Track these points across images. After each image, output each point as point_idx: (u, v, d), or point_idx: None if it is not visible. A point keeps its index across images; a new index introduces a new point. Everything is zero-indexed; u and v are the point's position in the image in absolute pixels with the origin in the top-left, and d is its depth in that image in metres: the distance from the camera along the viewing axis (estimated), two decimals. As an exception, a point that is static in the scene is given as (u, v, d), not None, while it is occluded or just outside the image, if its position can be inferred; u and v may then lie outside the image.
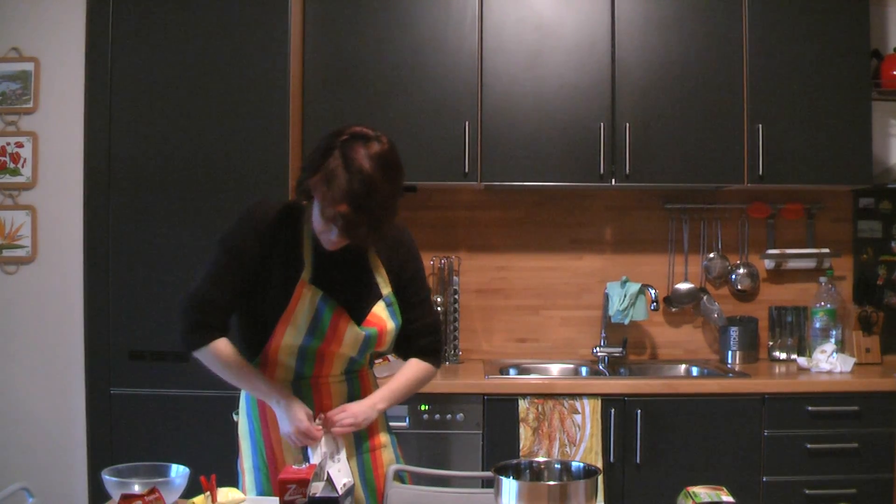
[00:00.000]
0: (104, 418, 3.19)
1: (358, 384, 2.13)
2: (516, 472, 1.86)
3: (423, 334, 2.18)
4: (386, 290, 2.09)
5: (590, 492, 1.70)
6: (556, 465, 1.89)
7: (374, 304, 2.07)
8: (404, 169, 1.95)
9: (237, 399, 2.18)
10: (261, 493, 2.06)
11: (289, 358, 2.04)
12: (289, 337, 2.00)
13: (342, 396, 2.09)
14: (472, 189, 3.77)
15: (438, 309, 3.67)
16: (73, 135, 3.34)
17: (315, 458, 1.96)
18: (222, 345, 2.02)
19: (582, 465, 1.86)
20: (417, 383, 2.17)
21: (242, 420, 2.14)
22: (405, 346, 2.18)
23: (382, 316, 2.07)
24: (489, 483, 1.81)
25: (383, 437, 2.17)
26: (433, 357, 2.19)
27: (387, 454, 2.16)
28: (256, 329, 2.04)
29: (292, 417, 1.98)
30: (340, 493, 1.83)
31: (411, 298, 2.14)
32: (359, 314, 2.04)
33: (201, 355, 2.03)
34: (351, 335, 2.02)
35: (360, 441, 2.11)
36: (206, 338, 2.01)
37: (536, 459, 1.95)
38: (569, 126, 3.44)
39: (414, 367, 2.16)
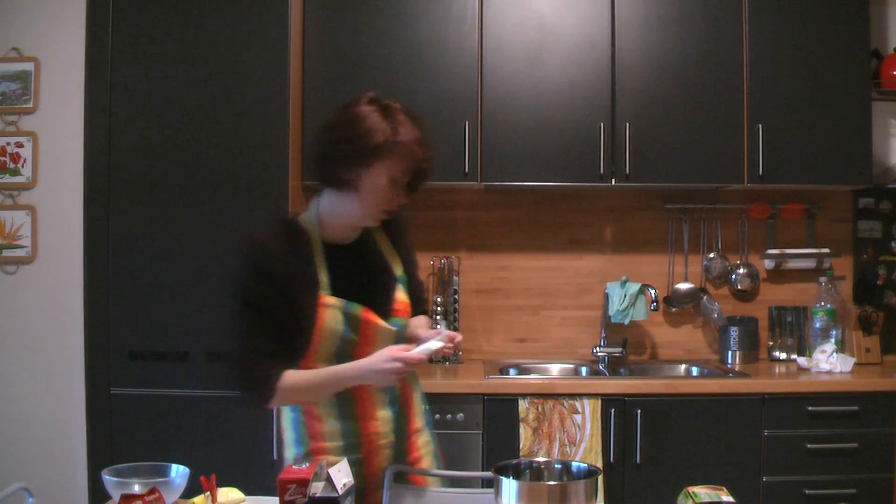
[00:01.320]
0: (104, 418, 3.19)
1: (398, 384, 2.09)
2: (516, 472, 1.85)
3: (423, 301, 2.29)
4: (399, 270, 2.13)
5: (590, 492, 1.70)
6: (556, 465, 1.89)
7: (395, 290, 2.10)
8: None
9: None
10: None
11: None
12: (322, 353, 1.99)
13: (383, 397, 2.07)
14: (472, 189, 3.77)
15: (438, 308, 3.67)
16: (73, 135, 3.34)
17: (433, 344, 1.95)
18: (286, 378, 1.95)
19: (582, 465, 1.86)
20: None
21: (286, 411, 2.11)
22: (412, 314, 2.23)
23: (403, 298, 2.11)
24: (489, 483, 1.81)
25: (419, 423, 2.19)
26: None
27: (423, 438, 2.17)
28: (291, 354, 1.99)
29: (383, 359, 1.90)
30: (340, 493, 1.83)
31: (409, 267, 2.20)
32: (386, 306, 2.06)
33: (279, 402, 1.99)
34: (383, 333, 2.04)
35: (401, 435, 2.11)
36: (271, 389, 1.94)
37: (536, 459, 1.95)
38: (569, 126, 3.44)
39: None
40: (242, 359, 1.96)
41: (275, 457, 3.15)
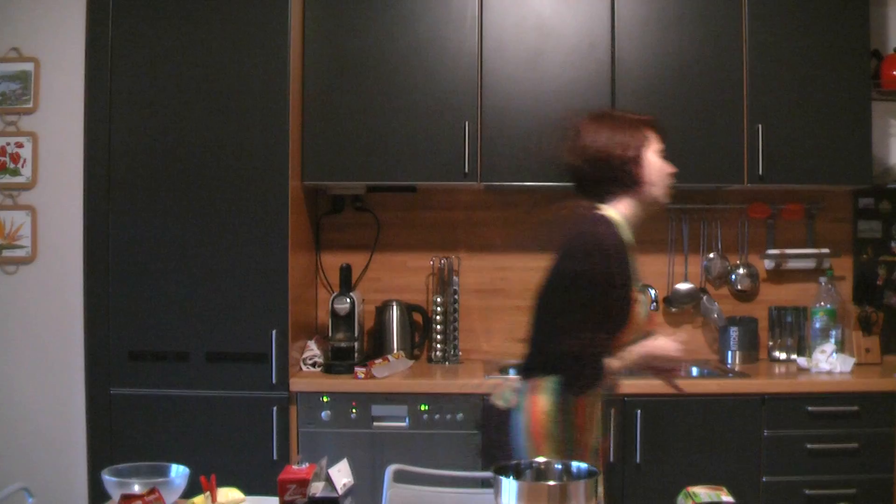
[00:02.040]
0: (104, 418, 3.20)
1: None
2: (516, 472, 1.85)
3: None
4: None
5: (590, 492, 1.70)
6: (556, 466, 1.89)
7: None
8: None
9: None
10: None
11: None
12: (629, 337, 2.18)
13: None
14: (471, 189, 3.77)
15: (438, 308, 3.67)
16: (73, 135, 3.34)
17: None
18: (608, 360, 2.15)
19: (582, 465, 1.86)
20: None
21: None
22: None
23: None
24: (489, 483, 1.81)
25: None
26: None
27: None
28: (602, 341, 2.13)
29: (664, 347, 2.16)
30: (340, 493, 1.83)
31: None
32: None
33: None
34: (642, 315, 2.19)
35: None
36: (602, 375, 2.14)
37: (536, 459, 1.95)
38: (569, 126, 3.43)
39: None
40: (593, 350, 2.09)
41: (275, 457, 3.15)
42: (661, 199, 2.26)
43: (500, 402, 2.21)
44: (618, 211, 2.23)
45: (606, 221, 2.17)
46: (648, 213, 2.28)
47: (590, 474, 1.82)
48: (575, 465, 1.87)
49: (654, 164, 2.22)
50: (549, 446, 2.12)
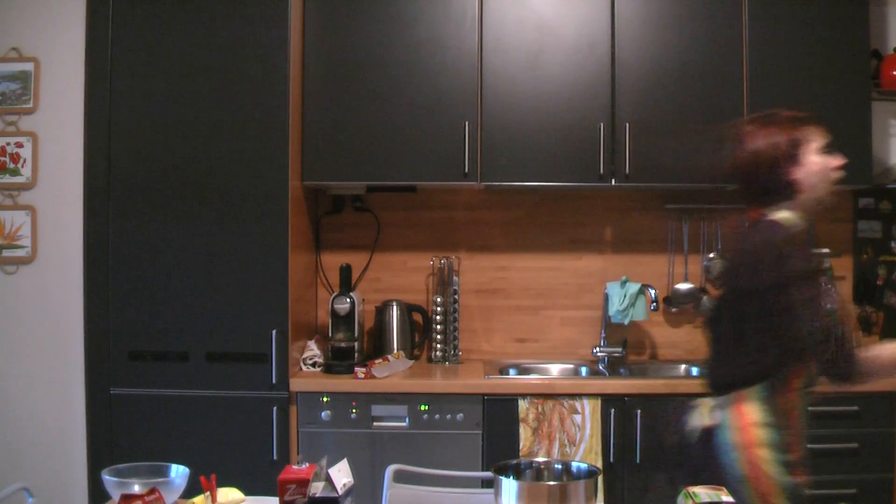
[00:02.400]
0: (104, 418, 3.20)
1: None
2: (516, 472, 1.86)
3: None
4: None
5: (590, 492, 1.71)
6: (556, 466, 1.89)
7: None
8: None
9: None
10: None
11: None
12: None
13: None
14: (471, 189, 3.77)
15: (438, 308, 3.67)
16: (73, 135, 3.34)
17: None
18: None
19: (582, 465, 1.86)
20: None
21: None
22: None
23: None
24: (489, 483, 1.81)
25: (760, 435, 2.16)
26: None
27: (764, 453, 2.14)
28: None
29: None
30: (340, 493, 1.83)
31: None
32: None
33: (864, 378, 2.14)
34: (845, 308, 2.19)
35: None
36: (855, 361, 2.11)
37: (536, 459, 1.96)
38: (569, 126, 3.44)
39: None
40: (846, 342, 2.09)
41: (275, 457, 3.15)
42: (828, 195, 2.30)
43: (701, 421, 2.22)
44: (788, 212, 2.24)
45: (781, 224, 2.20)
46: (818, 211, 2.32)
47: (589, 474, 1.82)
48: (575, 465, 1.87)
49: (816, 162, 2.26)
50: (765, 455, 2.10)
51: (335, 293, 3.50)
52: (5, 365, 3.47)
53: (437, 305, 3.66)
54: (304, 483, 1.78)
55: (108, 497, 1.92)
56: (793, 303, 2.07)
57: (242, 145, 3.20)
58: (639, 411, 3.19)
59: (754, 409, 2.12)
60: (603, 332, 3.77)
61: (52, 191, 3.48)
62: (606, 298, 3.73)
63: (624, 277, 3.70)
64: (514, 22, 3.45)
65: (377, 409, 3.19)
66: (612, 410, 3.18)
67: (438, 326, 3.65)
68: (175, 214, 3.21)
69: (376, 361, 3.30)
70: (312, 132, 3.39)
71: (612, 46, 3.45)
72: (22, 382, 3.47)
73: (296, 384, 3.19)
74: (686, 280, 3.83)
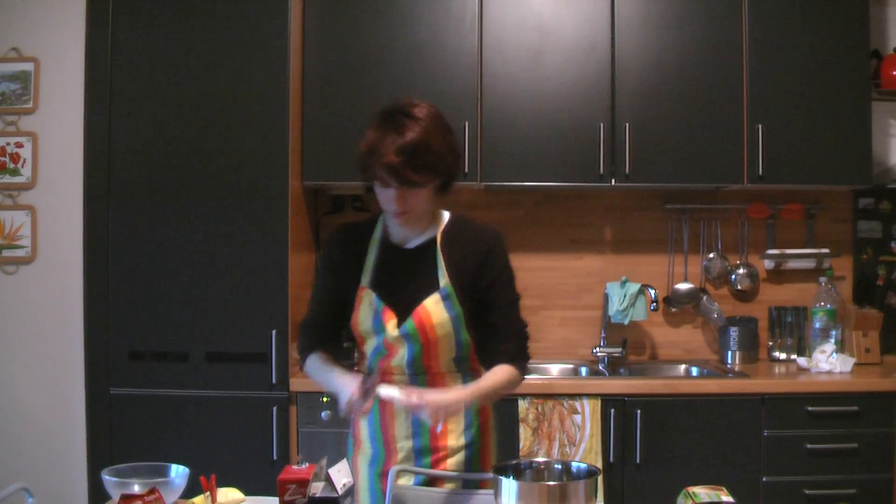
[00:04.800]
0: (104, 418, 3.20)
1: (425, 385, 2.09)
2: (516, 472, 1.85)
3: (507, 338, 2.13)
4: (444, 280, 2.08)
5: (590, 492, 1.70)
6: (556, 466, 1.89)
7: (426, 297, 2.07)
8: (449, 124, 2.08)
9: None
10: (375, 453, 2.11)
11: (376, 357, 2.12)
12: (368, 341, 2.11)
13: (408, 429, 2.11)
14: (472, 189, 3.77)
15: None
16: (73, 135, 3.34)
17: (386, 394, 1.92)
18: (310, 362, 2.18)
19: (582, 465, 1.86)
20: (500, 386, 2.09)
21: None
22: (489, 352, 2.13)
23: (431, 309, 2.05)
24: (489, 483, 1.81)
25: (451, 442, 2.11)
26: (518, 363, 2.13)
27: (453, 460, 2.11)
28: (334, 331, 2.23)
29: (342, 389, 2.02)
30: (340, 493, 1.83)
31: (494, 303, 2.13)
32: (410, 309, 2.07)
33: (307, 374, 2.21)
34: (393, 333, 2.06)
35: (420, 451, 2.09)
36: (304, 359, 2.20)
37: (536, 459, 1.95)
38: (569, 126, 3.44)
39: (497, 372, 2.10)
40: (303, 322, 2.23)
41: (275, 457, 3.15)
42: (393, 224, 2.12)
43: None
44: None
45: (357, 220, 2.23)
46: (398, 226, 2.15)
47: (589, 474, 1.82)
48: (575, 465, 1.87)
49: (377, 192, 2.06)
50: None
51: (335, 293, 3.49)
52: (5, 365, 3.47)
53: (437, 305, 3.66)
54: (303, 483, 1.78)
55: (108, 497, 1.92)
56: None
57: (242, 145, 3.20)
58: (639, 411, 3.19)
59: None
60: (603, 332, 3.77)
61: (52, 191, 3.48)
62: (606, 298, 3.73)
63: (624, 277, 3.70)
64: (514, 22, 3.45)
65: (377, 409, 3.19)
66: (612, 410, 3.18)
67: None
68: (175, 214, 3.21)
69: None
70: (312, 132, 3.39)
71: (612, 46, 3.45)
72: (22, 382, 3.47)
73: (296, 384, 3.19)
74: (686, 280, 3.83)
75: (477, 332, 2.12)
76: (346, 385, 2.00)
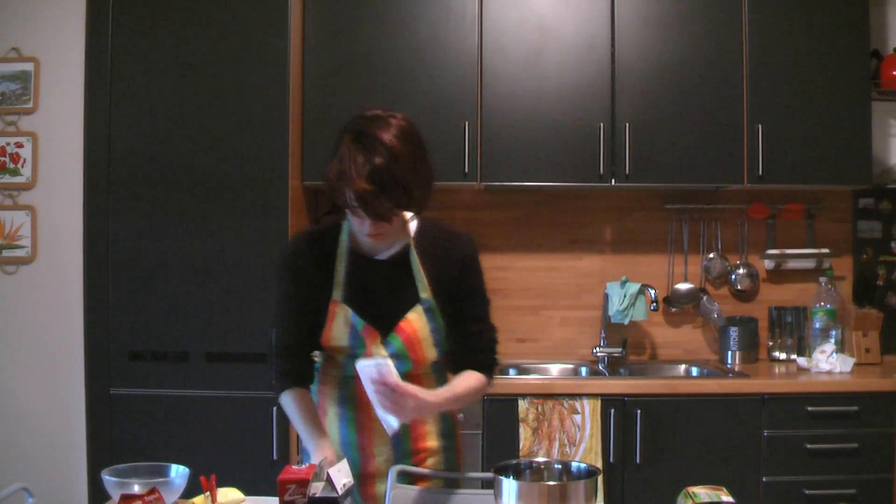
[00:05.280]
0: (104, 418, 3.20)
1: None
2: (516, 473, 1.85)
3: (480, 349, 2.11)
4: (424, 293, 2.04)
5: (590, 492, 1.70)
6: (556, 466, 1.89)
7: (408, 311, 2.03)
8: (423, 141, 1.97)
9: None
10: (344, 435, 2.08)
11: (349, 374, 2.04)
12: (339, 360, 2.05)
13: (385, 438, 2.07)
14: (471, 189, 3.77)
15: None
16: (73, 135, 3.34)
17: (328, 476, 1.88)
18: (287, 398, 2.06)
19: (582, 465, 1.86)
20: (471, 393, 2.08)
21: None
22: (461, 359, 2.11)
23: (415, 322, 2.02)
24: (489, 483, 1.81)
25: (431, 443, 2.12)
26: (487, 371, 2.11)
27: (433, 461, 2.11)
28: (306, 350, 2.10)
29: (313, 451, 2.00)
30: (340, 493, 1.83)
31: (470, 312, 2.10)
32: (392, 324, 2.02)
33: (281, 402, 2.09)
34: (377, 350, 2.01)
35: (400, 454, 2.08)
36: (281, 387, 2.08)
37: (536, 459, 1.95)
38: (569, 126, 3.44)
39: (469, 377, 2.08)
40: (276, 346, 2.09)
41: (275, 457, 3.15)
42: (365, 241, 2.03)
43: None
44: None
45: (314, 228, 2.17)
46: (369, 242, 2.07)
47: (589, 474, 1.82)
48: (575, 465, 1.87)
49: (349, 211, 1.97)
50: None
51: (335, 293, 3.49)
52: (5, 365, 3.47)
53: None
54: (303, 483, 1.78)
55: (107, 497, 1.92)
56: None
57: (242, 145, 3.20)
58: (639, 411, 3.19)
59: None
60: (603, 332, 3.77)
61: (52, 191, 3.48)
62: (606, 298, 3.73)
63: (624, 277, 3.70)
64: (514, 22, 3.45)
65: (377, 409, 3.19)
66: (612, 410, 3.18)
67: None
68: (175, 214, 3.21)
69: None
70: (312, 132, 3.39)
71: (612, 46, 3.45)
72: (22, 382, 3.47)
73: (296, 384, 3.18)
74: (686, 280, 3.84)
75: (450, 339, 2.09)
76: (316, 450, 1.99)
